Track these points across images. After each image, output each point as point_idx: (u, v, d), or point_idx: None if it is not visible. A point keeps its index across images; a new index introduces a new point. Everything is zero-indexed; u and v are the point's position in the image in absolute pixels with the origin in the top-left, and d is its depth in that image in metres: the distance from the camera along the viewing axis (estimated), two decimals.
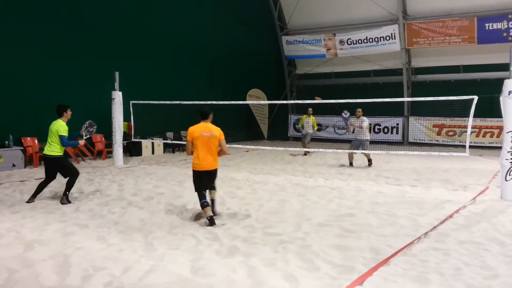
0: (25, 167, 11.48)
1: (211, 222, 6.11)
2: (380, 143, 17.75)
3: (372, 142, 17.16)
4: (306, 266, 4.59)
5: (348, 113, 11.97)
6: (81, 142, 8.13)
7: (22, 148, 11.64)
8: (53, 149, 7.49)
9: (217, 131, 6.51)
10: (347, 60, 20.28)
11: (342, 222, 6.31)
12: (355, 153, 12.35)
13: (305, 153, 15.23)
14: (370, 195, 8.34)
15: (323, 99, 12.85)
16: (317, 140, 19.16)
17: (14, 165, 11.26)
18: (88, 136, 8.33)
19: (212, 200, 6.66)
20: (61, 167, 7.69)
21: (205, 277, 4.27)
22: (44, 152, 7.65)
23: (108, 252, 4.99)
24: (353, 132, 12.39)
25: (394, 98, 12.46)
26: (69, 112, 7.70)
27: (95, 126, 8.48)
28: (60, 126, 7.47)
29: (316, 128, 15.39)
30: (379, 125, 19.51)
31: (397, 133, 19.08)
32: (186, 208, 7.20)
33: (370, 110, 12.14)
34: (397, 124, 19.05)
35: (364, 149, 12.02)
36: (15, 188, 8.77)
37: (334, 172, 11.40)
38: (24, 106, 11.90)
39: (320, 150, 12.92)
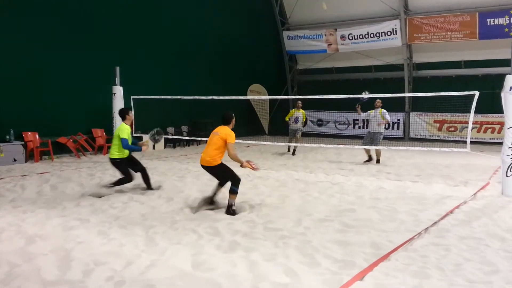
0: (26, 162, 11.48)
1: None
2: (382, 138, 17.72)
3: None
4: (307, 261, 4.60)
5: (368, 95, 11.56)
6: (144, 148, 8.28)
7: (23, 143, 11.64)
8: (112, 151, 7.87)
9: (224, 133, 6.65)
10: (348, 55, 20.22)
11: (342, 218, 6.31)
12: (370, 151, 12.10)
13: (289, 149, 14.35)
14: (371, 191, 8.35)
15: (324, 94, 12.78)
16: (318, 135, 19.18)
17: (15, 160, 11.26)
18: (153, 143, 8.45)
19: (214, 194, 6.91)
20: (118, 169, 8.02)
21: (206, 271, 4.28)
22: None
23: (109, 246, 5.00)
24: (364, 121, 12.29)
25: (395, 94, 12.41)
26: (131, 114, 8.10)
27: (163, 135, 8.68)
28: (122, 130, 7.79)
29: (304, 119, 14.60)
30: None
31: (398, 128, 19.06)
32: (187, 203, 7.20)
33: (371, 106, 12.09)
34: (398, 119, 19.03)
35: (376, 144, 11.77)
36: (16, 182, 8.77)
37: (335, 167, 11.40)
38: (25, 101, 11.89)
39: (321, 145, 12.87)
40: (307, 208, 6.89)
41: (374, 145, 11.79)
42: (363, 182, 9.18)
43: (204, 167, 6.82)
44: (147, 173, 8.24)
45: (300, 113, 14.13)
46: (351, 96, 11.51)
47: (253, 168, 6.68)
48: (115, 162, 7.95)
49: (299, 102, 14.26)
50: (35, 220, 6.04)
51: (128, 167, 7.99)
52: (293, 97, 18.16)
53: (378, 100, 11.96)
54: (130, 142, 7.93)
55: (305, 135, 19.29)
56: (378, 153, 12.07)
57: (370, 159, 12.21)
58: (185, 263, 4.50)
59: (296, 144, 14.03)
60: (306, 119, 16.70)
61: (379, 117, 11.87)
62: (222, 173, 6.80)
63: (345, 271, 4.29)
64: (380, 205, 7.15)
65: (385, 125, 12.10)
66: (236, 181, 6.66)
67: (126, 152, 7.94)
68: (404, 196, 7.86)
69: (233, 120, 6.93)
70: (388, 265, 4.49)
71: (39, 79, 12.24)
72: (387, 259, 4.65)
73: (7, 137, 11.38)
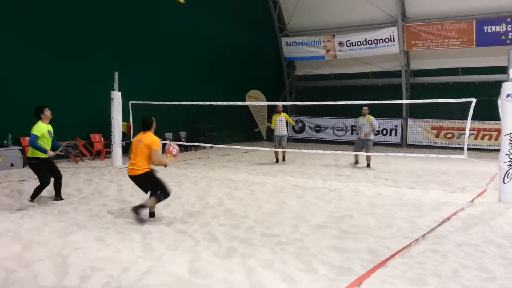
0: (23, 167, 11.46)
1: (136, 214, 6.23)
2: (379, 145, 17.77)
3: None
4: (304, 267, 4.60)
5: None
6: (50, 153, 7.39)
7: (20, 147, 11.63)
8: (31, 150, 7.32)
9: (149, 140, 6.41)
10: (346, 62, 20.29)
11: (340, 224, 6.32)
12: (358, 155, 12.41)
13: (278, 159, 13.43)
14: (368, 197, 8.36)
15: (322, 100, 12.80)
16: (315, 141, 19.19)
17: (12, 165, 11.24)
18: (62, 154, 7.81)
19: (143, 205, 6.36)
20: (34, 170, 7.56)
21: (203, 278, 4.28)
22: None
23: (106, 252, 4.99)
24: (357, 132, 12.58)
25: (393, 100, 12.48)
26: (46, 113, 7.52)
27: (77, 151, 8.29)
28: (35, 126, 7.28)
29: (293, 123, 14.00)
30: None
31: (395, 135, 19.09)
32: (185, 209, 7.20)
33: (369, 112, 12.15)
34: (396, 126, 19.06)
35: (367, 150, 12.07)
36: (13, 187, 8.76)
37: (333, 173, 11.41)
38: (22, 106, 11.81)
39: (319, 151, 12.89)
40: (305, 214, 6.89)
41: (365, 151, 12.06)
42: (361, 188, 9.19)
43: (133, 177, 6.49)
44: (61, 182, 7.86)
45: (282, 117, 13.19)
46: (349, 102, 11.56)
47: (173, 155, 6.53)
48: (32, 163, 7.44)
49: (279, 106, 13.41)
50: (33, 226, 6.03)
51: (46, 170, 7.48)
52: (291, 103, 18.24)
53: (364, 108, 12.18)
54: (49, 142, 7.44)
55: (303, 141, 19.42)
56: (368, 158, 12.30)
57: (357, 162, 12.64)
58: (182, 269, 4.50)
59: (284, 150, 13.39)
60: (294, 122, 16.54)
61: (367, 125, 12.10)
62: (153, 183, 6.49)
63: (342, 278, 4.29)
64: (378, 211, 7.16)
65: (373, 132, 12.26)
66: (166, 191, 6.44)
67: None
68: (402, 203, 7.87)
69: (154, 125, 6.69)
70: (385, 271, 4.49)
71: (37, 84, 12.24)
72: (385, 265, 4.65)
73: (5, 141, 11.37)
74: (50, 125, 7.65)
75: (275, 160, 13.50)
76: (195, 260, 4.77)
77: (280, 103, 13.94)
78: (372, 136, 12.19)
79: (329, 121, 20.14)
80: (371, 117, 12.07)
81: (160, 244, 5.31)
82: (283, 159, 13.58)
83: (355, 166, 12.52)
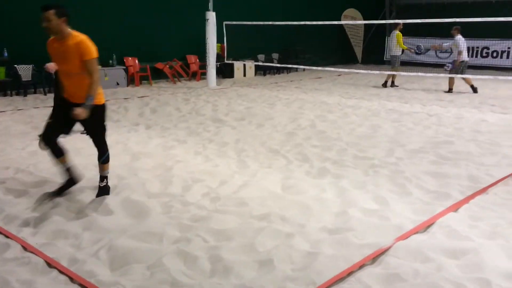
0: (127, 86, 12.27)
1: None
2: (488, 68, 16.21)
3: (479, 67, 15.78)
4: (398, 190, 4.52)
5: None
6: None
7: (124, 67, 12.38)
8: None
9: None
10: None
11: (438, 149, 6.03)
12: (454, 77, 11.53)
13: (385, 83, 12.74)
14: (472, 123, 7.81)
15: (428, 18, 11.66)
16: (416, 64, 17.99)
17: (118, 84, 12.08)
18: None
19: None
20: None
21: (296, 194, 4.40)
22: None
23: (205, 166, 5.30)
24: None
25: (507, 18, 11.09)
26: None
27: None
28: None
29: (403, 47, 12.40)
30: (487, 48, 17.67)
31: (507, 57, 17.21)
32: (277, 129, 7.31)
33: (478, 31, 11.02)
34: (509, 48, 17.11)
35: (462, 73, 11.25)
36: (120, 104, 9.47)
37: (433, 98, 10.75)
38: (125, 27, 12.47)
39: (419, 74, 12.05)
40: (400, 139, 6.66)
41: (460, 74, 11.28)
42: (464, 114, 8.59)
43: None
44: None
45: (394, 35, 12.43)
46: (457, 19, 10.50)
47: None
48: None
49: (400, 23, 12.36)
50: (138, 139, 6.55)
51: None
52: (390, 21, 16.91)
53: (455, 27, 11.38)
54: None
55: (402, 63, 18.24)
56: (468, 81, 11.50)
57: (450, 91, 11.78)
58: (275, 185, 4.65)
59: (392, 73, 12.67)
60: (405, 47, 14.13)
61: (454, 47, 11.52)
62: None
63: (438, 202, 4.16)
64: (481, 138, 6.70)
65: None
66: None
67: None
68: (509, 130, 7.25)
69: None
70: (485, 198, 4.27)
71: (137, 7, 12.68)
72: (485, 192, 4.42)
73: (110, 61, 12.16)
74: None
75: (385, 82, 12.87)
76: (288, 178, 4.90)
77: (378, 22, 13.05)
78: (462, 58, 11.34)
79: (432, 41, 18.59)
80: (457, 37, 11.36)
81: (254, 161, 5.50)
82: (384, 84, 12.83)
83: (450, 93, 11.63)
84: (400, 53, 12.55)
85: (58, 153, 4.15)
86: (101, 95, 4.09)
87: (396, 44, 12.37)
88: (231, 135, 6.87)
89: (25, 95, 10.46)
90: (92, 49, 3.84)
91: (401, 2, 20.83)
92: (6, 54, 10.31)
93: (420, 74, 11.91)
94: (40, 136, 4.60)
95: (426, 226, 3.66)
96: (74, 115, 3.80)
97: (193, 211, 3.97)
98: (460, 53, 11.33)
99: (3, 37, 10.25)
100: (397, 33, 12.33)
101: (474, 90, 11.37)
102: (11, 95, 10.45)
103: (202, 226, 3.65)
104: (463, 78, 11.37)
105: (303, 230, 3.59)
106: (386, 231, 3.54)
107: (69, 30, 3.86)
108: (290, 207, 4.06)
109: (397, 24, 12.41)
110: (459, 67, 11.35)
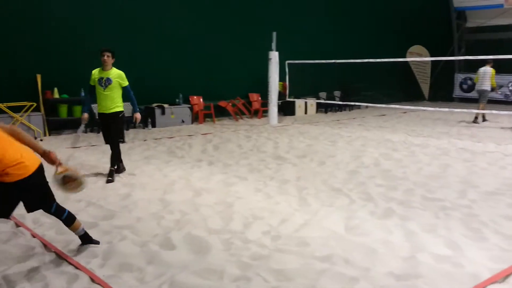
0: (192, 123, 12.66)
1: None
2: None
3: None
4: (472, 235, 4.19)
5: None
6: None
7: (189, 106, 12.83)
8: None
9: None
10: None
11: None
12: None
13: (476, 119, 12.55)
14: None
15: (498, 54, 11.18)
16: (488, 101, 17.10)
17: (183, 121, 12.49)
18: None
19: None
20: None
21: (360, 236, 4.21)
22: None
23: (266, 203, 5.25)
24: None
25: None
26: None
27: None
28: None
29: (494, 84, 12.35)
30: None
31: None
32: (339, 167, 7.14)
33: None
34: None
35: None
36: (184, 141, 9.73)
37: (508, 136, 10.10)
38: (190, 67, 12.99)
39: (492, 111, 11.40)
40: (473, 180, 6.25)
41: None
42: None
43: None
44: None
45: (488, 71, 12.38)
46: None
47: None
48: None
49: (490, 60, 12.20)
50: (201, 175, 6.64)
51: None
52: (460, 58, 16.32)
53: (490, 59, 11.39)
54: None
55: (471, 100, 17.45)
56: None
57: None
58: (338, 225, 4.49)
59: (478, 111, 12.41)
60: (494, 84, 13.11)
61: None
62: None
63: None
64: None
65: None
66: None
67: None
68: None
69: None
70: None
71: (202, 47, 13.20)
72: None
73: (177, 100, 12.66)
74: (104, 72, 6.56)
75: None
76: (351, 217, 4.71)
77: (446, 58, 12.76)
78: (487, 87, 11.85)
79: (505, 78, 17.69)
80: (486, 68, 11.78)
81: (315, 200, 5.37)
82: (475, 120, 12.60)
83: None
84: (490, 89, 12.54)
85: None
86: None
87: (489, 79, 12.40)
88: (292, 173, 6.80)
89: (98, 132, 11.06)
90: None
91: (470, 38, 20.16)
92: (83, 93, 11.03)
93: (494, 111, 11.27)
94: None
95: (505, 276, 3.35)
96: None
97: (254, 249, 3.90)
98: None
99: (80, 79, 11.01)
100: (491, 69, 12.37)
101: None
102: (86, 132, 11.09)
103: (263, 265, 3.56)
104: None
105: (368, 274, 3.40)
106: (460, 280, 3.27)
107: None
108: (354, 248, 3.88)
109: (488, 60, 12.23)
110: None
